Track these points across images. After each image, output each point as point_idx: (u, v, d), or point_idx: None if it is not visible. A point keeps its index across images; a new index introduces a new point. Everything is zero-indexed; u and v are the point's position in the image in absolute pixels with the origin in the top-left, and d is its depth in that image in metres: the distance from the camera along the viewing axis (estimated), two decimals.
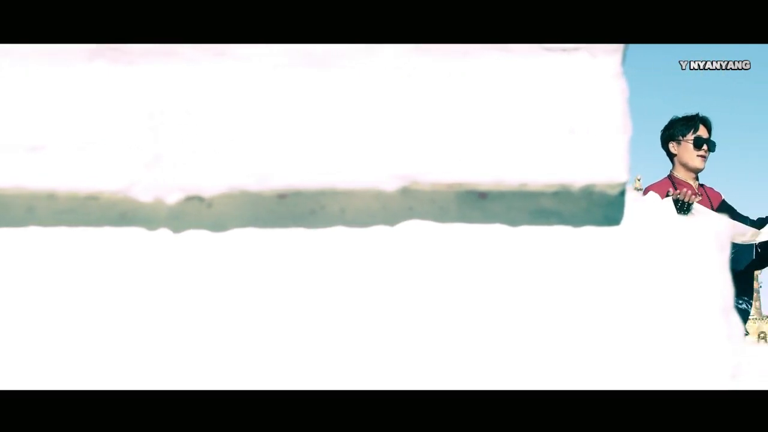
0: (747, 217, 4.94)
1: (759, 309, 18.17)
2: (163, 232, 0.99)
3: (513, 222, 0.99)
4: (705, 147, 4.93)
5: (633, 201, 0.99)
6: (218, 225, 0.99)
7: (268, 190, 0.97)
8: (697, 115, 5.03)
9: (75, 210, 0.99)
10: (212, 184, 0.97)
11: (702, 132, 4.96)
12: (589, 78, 0.96)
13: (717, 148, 5.12)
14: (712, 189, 5.07)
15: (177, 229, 0.99)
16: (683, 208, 4.51)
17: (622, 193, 0.98)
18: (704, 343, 0.98)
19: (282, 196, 0.98)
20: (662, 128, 5.10)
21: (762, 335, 17.22)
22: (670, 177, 5.02)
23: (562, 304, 0.97)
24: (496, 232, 0.98)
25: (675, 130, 5.02)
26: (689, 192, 4.71)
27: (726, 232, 0.99)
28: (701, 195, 4.94)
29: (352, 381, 0.96)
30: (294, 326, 0.97)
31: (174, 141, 0.97)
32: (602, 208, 0.99)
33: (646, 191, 4.93)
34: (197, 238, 0.99)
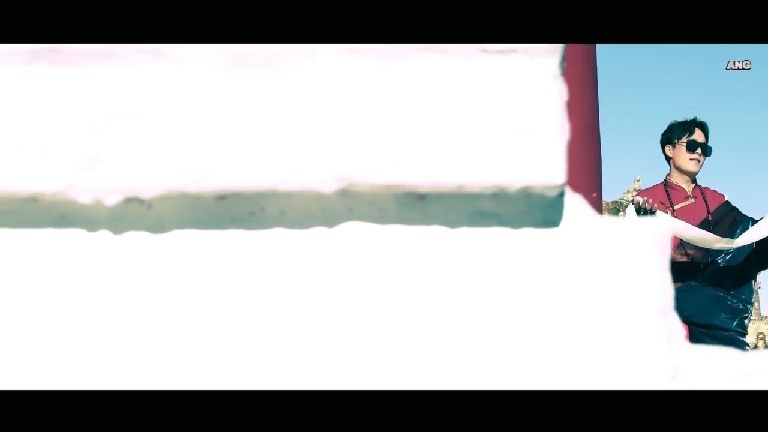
0: (751, 218, 4.93)
1: (758, 310, 18.13)
2: (104, 234, 0.99)
3: (452, 224, 0.99)
4: (699, 150, 4.94)
5: (572, 203, 0.99)
6: (158, 226, 0.99)
7: (207, 192, 0.97)
8: (694, 119, 5.05)
9: (15, 211, 0.99)
10: (151, 185, 0.97)
11: (697, 136, 4.98)
12: (527, 80, 0.96)
13: (728, 149, 5.15)
14: (714, 191, 5.07)
15: (117, 231, 0.99)
16: (645, 214, 4.53)
17: (561, 195, 0.98)
18: (643, 345, 0.98)
19: (221, 198, 0.99)
20: (662, 133, 5.13)
21: (761, 336, 17.20)
22: (665, 182, 5.04)
23: (501, 306, 0.97)
24: (435, 233, 0.98)
25: (672, 134, 5.05)
26: (650, 199, 4.73)
27: (666, 233, 0.99)
28: (695, 197, 4.94)
29: (292, 382, 0.96)
30: (235, 327, 0.98)
31: (113, 142, 0.97)
32: (541, 210, 0.99)
33: (638, 195, 4.94)
34: (138, 239, 0.99)
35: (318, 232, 0.99)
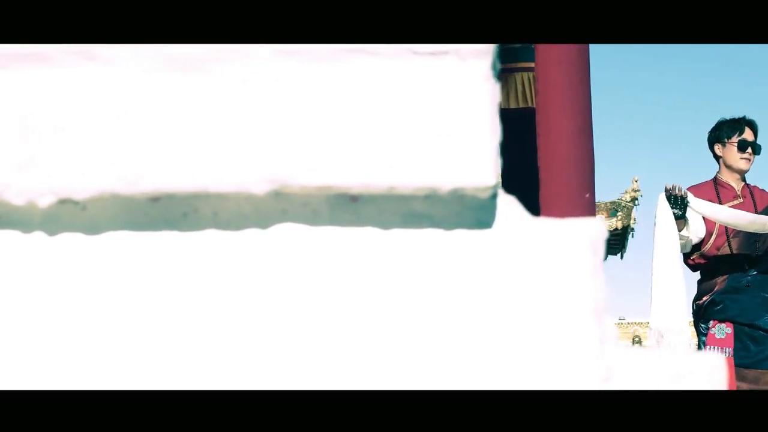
0: None
1: None
2: (38, 235, 0.99)
3: (385, 225, 0.99)
4: (750, 150, 4.95)
5: (505, 204, 0.99)
6: (92, 228, 0.99)
7: (140, 193, 0.97)
8: (743, 117, 5.06)
9: None
10: (85, 187, 0.97)
11: (747, 135, 4.99)
12: (459, 81, 0.96)
13: None
14: (763, 190, 5.07)
15: (52, 232, 0.99)
16: (677, 202, 4.53)
17: (494, 197, 0.98)
18: (576, 346, 0.98)
19: (155, 199, 0.99)
20: (709, 130, 5.13)
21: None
22: (715, 179, 5.04)
23: (434, 307, 0.97)
24: (368, 235, 0.98)
25: (721, 133, 5.05)
26: (678, 185, 4.73)
27: (600, 235, 0.99)
28: (744, 197, 4.94)
29: (220, 382, 0.96)
30: (170, 327, 0.98)
31: (46, 144, 0.97)
32: (474, 211, 0.99)
33: (688, 191, 4.91)
34: (72, 240, 0.99)
35: (251, 234, 0.99)
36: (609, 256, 19.58)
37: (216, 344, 0.97)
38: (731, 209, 4.73)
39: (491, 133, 0.96)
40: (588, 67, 4.93)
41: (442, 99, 0.96)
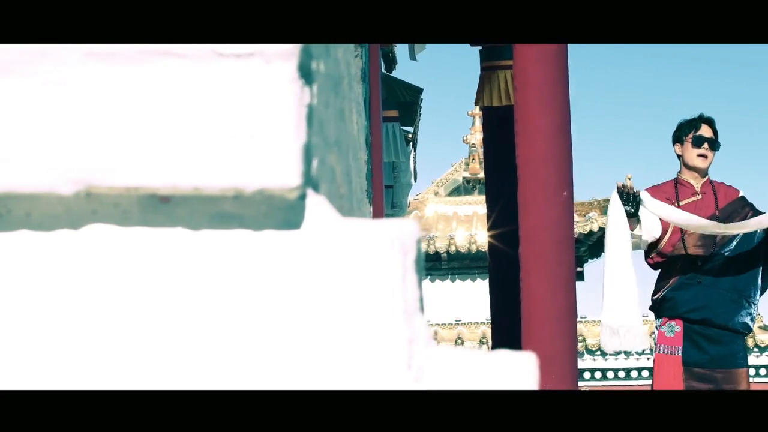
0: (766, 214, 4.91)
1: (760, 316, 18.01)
2: None
3: (195, 226, 0.99)
4: (705, 145, 4.94)
5: (315, 205, 1.00)
6: None
7: None
8: (701, 115, 5.05)
9: None
10: None
11: (704, 131, 4.99)
12: (264, 83, 0.97)
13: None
14: (729, 186, 5.06)
15: None
16: (629, 200, 4.54)
17: (302, 197, 0.99)
18: (386, 347, 0.98)
19: None
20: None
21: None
22: (676, 178, 5.05)
23: (245, 308, 0.98)
24: (179, 236, 0.99)
25: (680, 132, 5.06)
26: (628, 183, 4.74)
27: (411, 236, 1.00)
28: (704, 193, 4.93)
29: (28, 382, 0.97)
30: None
31: None
32: (282, 212, 0.99)
33: (643, 190, 4.93)
34: None
35: (63, 235, 0.99)
36: (603, 253, 19.60)
37: (27, 344, 0.98)
38: (684, 212, 4.73)
39: (296, 134, 0.96)
40: (566, 65, 4.94)
41: (248, 100, 0.97)
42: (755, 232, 4.85)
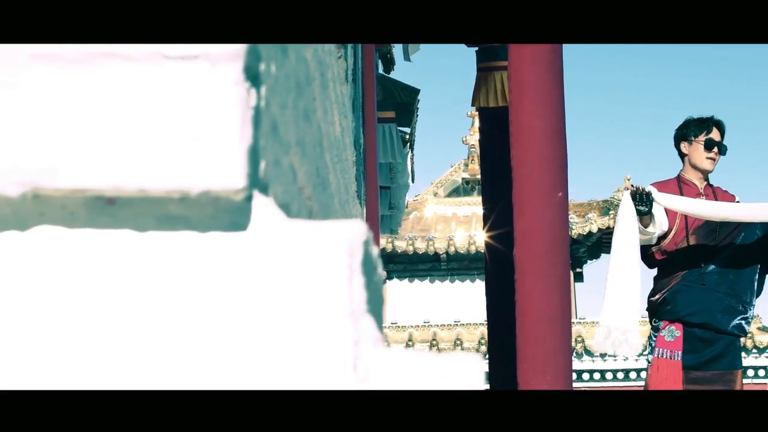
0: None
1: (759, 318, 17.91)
2: None
3: (141, 228, 0.99)
4: (716, 149, 4.95)
5: (261, 206, 1.00)
6: None
7: None
8: (712, 117, 5.05)
9: None
10: None
11: (714, 135, 4.99)
12: (209, 85, 0.97)
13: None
14: (726, 191, 5.07)
15: None
16: (642, 200, 4.54)
17: (248, 199, 0.99)
18: (331, 348, 0.98)
19: None
20: (676, 128, 5.12)
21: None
22: (678, 177, 5.04)
23: (191, 310, 0.98)
24: (125, 238, 0.99)
25: (688, 131, 5.05)
26: (642, 186, 4.74)
27: (358, 237, 1.00)
28: (707, 195, 4.93)
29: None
30: None
31: None
32: (228, 214, 0.99)
33: (652, 186, 4.91)
34: None
35: (11, 236, 0.99)
36: (602, 254, 19.61)
37: None
38: (696, 200, 4.73)
39: (241, 136, 0.97)
40: (561, 66, 4.94)
41: (193, 102, 0.97)
42: (755, 236, 4.85)
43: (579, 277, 19.87)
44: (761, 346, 17.04)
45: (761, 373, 16.99)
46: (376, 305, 1.14)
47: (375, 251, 1.11)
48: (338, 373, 0.98)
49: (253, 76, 0.99)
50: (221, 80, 0.97)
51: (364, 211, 6.58)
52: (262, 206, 1.00)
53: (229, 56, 0.97)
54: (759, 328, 17.23)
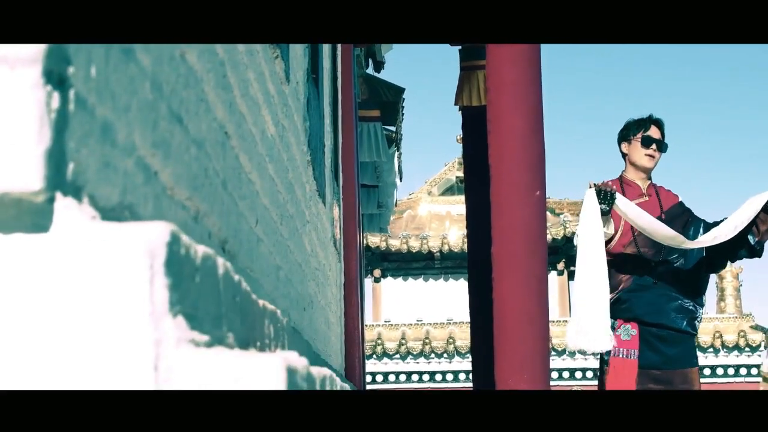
0: (703, 220, 4.93)
1: (739, 307, 17.95)
2: None
3: None
4: (654, 146, 4.94)
5: (64, 208, 1.01)
6: None
7: None
8: (650, 115, 5.06)
9: None
10: None
11: (653, 132, 4.99)
12: (7, 89, 0.98)
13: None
14: (669, 191, 5.07)
15: None
16: (606, 198, 4.54)
17: (50, 201, 1.00)
18: (132, 349, 1.00)
19: None
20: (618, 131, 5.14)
21: (717, 335, 17.06)
22: (621, 177, 5.04)
23: (8, 313, 1.00)
24: None
25: (628, 131, 5.05)
26: (607, 182, 4.75)
27: (160, 238, 1.01)
28: (650, 195, 4.94)
29: None
30: None
31: None
32: (30, 215, 1.01)
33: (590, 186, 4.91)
34: None
35: None
36: None
37: None
38: (652, 218, 4.71)
39: (38, 139, 0.98)
40: (539, 66, 4.94)
41: None
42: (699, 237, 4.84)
43: (572, 276, 19.86)
44: (753, 345, 17.03)
45: (753, 371, 16.99)
46: (203, 303, 1.16)
47: (194, 251, 1.12)
48: (137, 373, 0.99)
49: (57, 80, 1.01)
50: (19, 83, 0.98)
51: (339, 209, 6.58)
52: (66, 208, 1.01)
53: (27, 59, 0.98)
54: (752, 327, 17.22)
